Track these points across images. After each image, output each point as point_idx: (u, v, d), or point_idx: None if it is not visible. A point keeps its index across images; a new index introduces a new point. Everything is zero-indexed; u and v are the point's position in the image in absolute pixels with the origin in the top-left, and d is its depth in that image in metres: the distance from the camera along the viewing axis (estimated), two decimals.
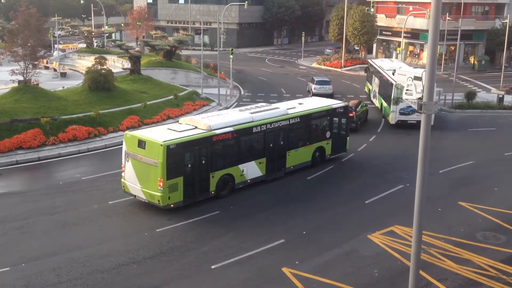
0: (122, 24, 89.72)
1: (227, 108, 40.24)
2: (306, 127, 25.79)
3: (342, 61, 62.58)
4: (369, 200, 22.38)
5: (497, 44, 59.13)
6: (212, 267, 16.62)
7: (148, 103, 36.18)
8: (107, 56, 45.19)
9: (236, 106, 40.35)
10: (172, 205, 20.49)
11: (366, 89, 46.54)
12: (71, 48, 65.37)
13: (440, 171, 25.71)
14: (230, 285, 15.69)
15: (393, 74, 36.11)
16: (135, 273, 16.23)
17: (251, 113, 24.04)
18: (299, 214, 20.95)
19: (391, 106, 34.97)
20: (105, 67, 37.20)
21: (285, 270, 16.40)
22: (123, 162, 21.59)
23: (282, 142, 24.51)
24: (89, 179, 24.66)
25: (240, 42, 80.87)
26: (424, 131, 10.76)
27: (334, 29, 65.84)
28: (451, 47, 60.70)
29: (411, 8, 59.39)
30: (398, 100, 34.62)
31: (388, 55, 69.14)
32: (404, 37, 57.46)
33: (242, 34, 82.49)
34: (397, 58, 62.80)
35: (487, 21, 62.97)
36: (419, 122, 36.59)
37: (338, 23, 64.74)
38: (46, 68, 52.96)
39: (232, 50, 46.73)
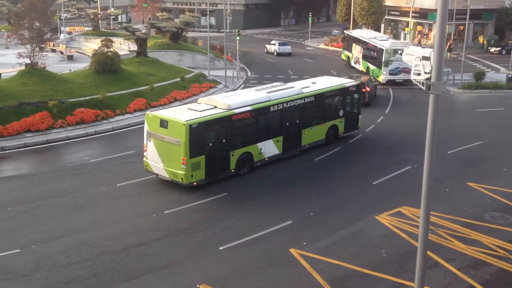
0: (128, 6, 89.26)
1: (234, 89, 40.12)
2: (320, 106, 26.22)
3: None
4: (377, 181, 22.34)
5: (507, 24, 58.43)
6: (220, 248, 16.71)
7: (155, 85, 36.14)
8: (114, 39, 45.06)
9: (243, 88, 40.23)
10: (195, 183, 20.94)
11: (343, 57, 52.04)
12: (78, 31, 65.21)
13: (448, 152, 25.59)
14: (238, 266, 15.79)
15: (380, 41, 43.43)
16: (143, 254, 16.35)
17: (268, 92, 24.39)
18: (306, 196, 20.97)
19: (382, 68, 41.02)
20: (111, 49, 37.11)
21: (292, 251, 16.47)
22: (145, 142, 22.01)
23: (297, 121, 24.94)
24: (97, 162, 24.76)
25: (247, 24, 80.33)
26: (432, 111, 10.63)
27: (342, 9, 65.19)
28: (460, 26, 59.99)
29: None
30: (388, 63, 41.00)
31: (396, 35, 68.50)
32: (413, 17, 56.85)
33: (249, 15, 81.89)
34: (405, 38, 62.21)
35: (496, 0, 62.06)
36: (405, 80, 40.30)
37: (345, 3, 64.06)
38: (53, 51, 52.90)
39: (238, 31, 46.44)
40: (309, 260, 15.88)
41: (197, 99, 35.96)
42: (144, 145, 22.22)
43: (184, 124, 20.37)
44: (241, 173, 22.72)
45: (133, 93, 34.55)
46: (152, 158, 21.68)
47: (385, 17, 65.74)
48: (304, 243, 16.99)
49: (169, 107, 34.02)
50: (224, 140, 21.84)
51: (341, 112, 27.35)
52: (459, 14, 52.45)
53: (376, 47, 43.09)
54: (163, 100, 34.92)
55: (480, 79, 40.72)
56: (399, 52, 40.36)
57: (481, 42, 61.93)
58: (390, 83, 41.03)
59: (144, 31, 46.80)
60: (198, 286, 14.63)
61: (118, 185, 21.84)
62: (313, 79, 29.02)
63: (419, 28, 65.65)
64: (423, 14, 62.47)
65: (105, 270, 15.44)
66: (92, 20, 62.53)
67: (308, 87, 26.51)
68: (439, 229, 17.77)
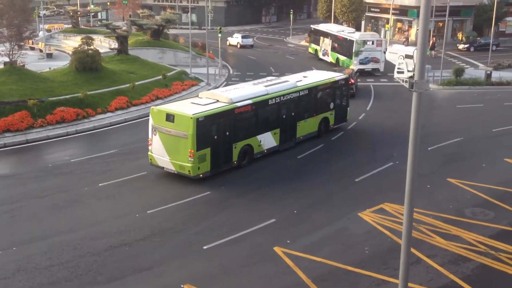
0: (108, 3, 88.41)
1: (216, 87, 40.03)
2: (313, 99, 27.07)
3: None
4: (359, 178, 22.49)
5: (485, 20, 59.16)
6: (204, 247, 16.68)
7: (136, 83, 35.87)
8: (94, 36, 44.60)
9: (225, 86, 40.15)
10: (201, 175, 21.54)
11: (311, 50, 54.44)
12: (57, 28, 64.42)
13: (429, 148, 25.87)
14: (222, 265, 15.78)
15: (349, 33, 46.96)
16: (126, 255, 16.26)
17: (265, 86, 25.19)
18: (290, 193, 21.03)
19: (353, 58, 44.08)
20: (92, 47, 36.72)
21: (276, 249, 16.51)
22: (150, 136, 22.39)
23: (293, 113, 25.75)
24: (78, 161, 24.51)
25: (228, 20, 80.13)
26: (416, 109, 10.74)
27: (323, 6, 65.43)
28: (439, 23, 60.60)
29: None
30: (358, 53, 44.04)
31: (377, 32, 68.86)
32: (393, 14, 57.24)
33: (230, 12, 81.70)
34: (385, 35, 62.70)
35: None
36: (373, 69, 43.11)
37: (326, 0, 64.27)
38: (32, 49, 52.15)
39: (220, 28, 46.30)
40: (293, 258, 15.95)
41: (179, 97, 36.13)
42: (149, 139, 22.54)
43: (191, 118, 20.90)
44: (243, 165, 23.34)
45: (114, 91, 34.25)
46: (158, 151, 22.10)
47: (366, 14, 66.17)
48: (288, 241, 17.04)
49: (151, 105, 33.90)
50: (227, 133, 22.53)
51: (331, 105, 28.29)
52: (438, 10, 52.92)
53: (346, 39, 46.15)
54: (145, 98, 34.69)
55: (459, 75, 41.19)
56: (368, 42, 44.40)
57: (460, 38, 62.64)
58: (363, 74, 43.76)
59: (124, 28, 46.37)
60: (182, 286, 14.59)
61: (100, 185, 21.65)
62: (303, 73, 29.73)
63: (399, 25, 66.15)
64: (403, 11, 62.96)
65: (87, 271, 15.31)
66: (72, 17, 61.80)
67: (301, 80, 27.27)
68: (421, 225, 17.97)
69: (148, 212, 19.15)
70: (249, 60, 53.01)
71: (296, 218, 18.86)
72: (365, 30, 70.22)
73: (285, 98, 25.06)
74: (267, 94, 24.46)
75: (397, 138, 27.54)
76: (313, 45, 53.84)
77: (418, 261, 15.81)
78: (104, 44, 50.69)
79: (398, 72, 42.01)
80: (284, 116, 25.24)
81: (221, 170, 22.44)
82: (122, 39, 42.97)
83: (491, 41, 53.61)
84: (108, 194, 20.88)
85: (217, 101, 22.94)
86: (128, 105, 33.22)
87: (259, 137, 24.09)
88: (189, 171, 21.30)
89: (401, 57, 39.36)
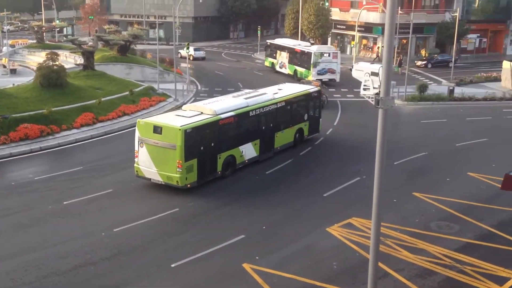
0: (74, 18, 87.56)
1: (184, 103, 39.90)
2: (289, 111, 28.08)
3: None
4: (327, 193, 22.65)
5: (447, 37, 60.77)
6: (172, 265, 16.48)
7: (102, 99, 35.46)
8: (59, 52, 44.00)
9: (193, 101, 40.04)
10: (188, 185, 22.11)
11: (267, 64, 56.16)
12: (21, 44, 63.32)
13: (395, 163, 26.26)
14: (191, 283, 15.61)
15: (306, 46, 49.92)
16: (92, 274, 15.92)
17: (245, 98, 26.05)
18: (258, 209, 21.02)
19: (311, 69, 46.61)
20: (57, 63, 36.18)
21: (245, 266, 16.43)
22: (136, 148, 22.78)
23: (271, 125, 26.73)
24: (42, 179, 24.00)
25: (196, 36, 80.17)
26: (382, 125, 10.95)
27: (290, 22, 66.16)
28: (403, 40, 61.96)
29: (364, 2, 60.17)
30: (316, 64, 46.57)
31: (343, 48, 70.05)
32: (358, 30, 58.31)
33: (198, 28, 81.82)
34: (351, 51, 63.78)
35: (437, 15, 64.57)
36: (330, 80, 44.59)
37: (293, 16, 65.09)
38: None
39: (188, 44, 46.35)
40: (262, 275, 15.89)
41: (147, 113, 35.85)
42: (135, 151, 22.83)
43: (180, 129, 21.53)
44: (226, 175, 24.01)
45: (80, 108, 33.75)
46: (145, 163, 22.52)
47: (332, 30, 67.16)
48: (257, 257, 16.99)
49: (117, 122, 33.58)
50: (212, 144, 23.20)
51: (305, 116, 29.49)
52: (402, 28, 54.18)
53: (304, 51, 48.95)
54: (112, 115, 34.29)
55: (423, 91, 42.09)
56: (325, 55, 47.19)
57: (423, 55, 64.12)
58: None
59: (91, 44, 45.94)
60: None
61: (65, 203, 21.22)
62: (278, 86, 30.72)
63: (364, 41, 67.36)
64: (368, 28, 64.20)
65: None
66: (37, 32, 60.86)
67: (277, 93, 28.21)
68: (388, 239, 18.16)
69: (115, 230, 18.83)
70: (216, 76, 53.07)
71: (265, 234, 18.84)
72: (331, 46, 71.34)
73: (264, 110, 26.04)
74: (248, 106, 25.30)
75: (363, 153, 27.90)
76: (270, 59, 55.74)
77: (386, 275, 15.95)
78: (69, 60, 50.04)
79: (364, 89, 42.76)
80: (263, 127, 26.18)
81: (207, 180, 22.99)
82: (88, 55, 42.51)
83: (449, 57, 55.75)
84: (73, 212, 20.47)
85: (201, 113, 23.58)
86: (94, 122, 32.78)
87: (241, 147, 24.83)
88: (177, 181, 21.78)
89: (367, 74, 40.11)
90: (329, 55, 47.44)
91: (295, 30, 64.87)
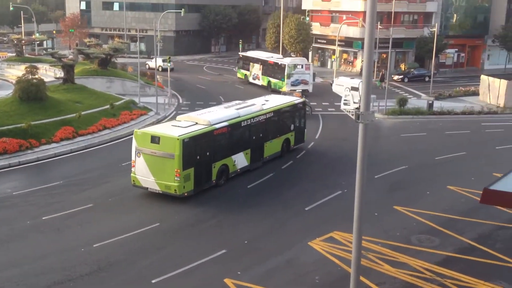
0: (54, 32, 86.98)
1: (166, 117, 39.79)
2: (277, 121, 29.01)
3: None
4: (309, 206, 22.67)
5: (426, 52, 61.70)
6: (153, 281, 16.30)
7: (83, 113, 35.18)
8: (39, 65, 43.62)
9: (175, 115, 39.97)
10: (185, 194, 22.53)
11: (240, 75, 57.81)
12: (0, 57, 62.64)
13: (375, 176, 26.42)
14: None
15: (279, 59, 51.73)
16: None
17: (236, 109, 26.82)
18: (240, 223, 20.94)
19: (285, 80, 48.17)
20: (36, 76, 35.86)
21: (227, 281, 16.32)
22: (133, 158, 23.18)
23: (261, 135, 27.48)
24: (21, 194, 23.64)
25: (178, 50, 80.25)
26: (362, 140, 11.04)
27: (271, 37, 66.60)
28: (383, 54, 62.76)
29: (344, 17, 60.94)
30: (289, 75, 48.25)
31: (324, 62, 70.72)
32: (338, 45, 58.90)
33: (179, 41, 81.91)
34: (332, 65, 64.39)
35: (416, 30, 65.58)
36: (303, 90, 44.97)
37: (274, 31, 65.56)
38: None
39: (169, 58, 46.30)
40: None
41: (128, 126, 35.65)
42: (132, 161, 23.19)
43: (178, 139, 22.04)
44: (220, 184, 24.56)
45: (60, 122, 33.42)
46: (142, 172, 22.88)
47: (313, 45, 67.77)
48: (239, 272, 16.89)
49: (98, 136, 33.34)
50: (208, 153, 23.75)
51: (292, 127, 30.36)
52: (382, 42, 54.93)
53: (278, 63, 50.64)
54: (92, 128, 34.03)
55: (403, 105, 42.57)
56: (298, 66, 48.70)
57: (403, 69, 64.97)
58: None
59: (71, 57, 45.64)
60: None
61: (44, 218, 20.92)
62: (264, 97, 31.61)
63: (345, 55, 68.07)
64: (349, 42, 64.92)
65: None
66: (16, 45, 60.33)
67: (265, 104, 28.98)
68: (370, 253, 18.21)
69: (95, 245, 18.59)
70: (198, 89, 53.06)
71: (246, 248, 18.76)
72: (312, 61, 72.13)
73: (254, 120, 26.80)
74: (239, 116, 26.05)
75: (345, 166, 28.05)
76: (242, 71, 57.35)
77: None
78: (49, 73, 49.61)
79: (344, 104, 43.13)
80: (254, 137, 26.92)
81: (202, 188, 23.49)
82: (68, 68, 42.23)
83: (425, 72, 57.09)
84: (52, 227, 20.18)
85: (196, 123, 24.15)
86: (74, 135, 32.49)
87: (233, 157, 25.46)
88: (175, 190, 22.22)
89: (347, 89, 40.52)
90: (302, 67, 49.03)
91: (276, 44, 65.29)
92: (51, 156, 29.65)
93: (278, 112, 28.94)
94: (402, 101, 42.73)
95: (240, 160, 26.02)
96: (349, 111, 39.73)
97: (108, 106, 38.16)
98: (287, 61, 50.04)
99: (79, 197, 23.33)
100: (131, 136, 34.27)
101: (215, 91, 51.56)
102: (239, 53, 60.26)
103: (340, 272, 16.99)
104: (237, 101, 29.51)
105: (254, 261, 17.81)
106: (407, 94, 51.27)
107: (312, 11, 70.23)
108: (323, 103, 46.07)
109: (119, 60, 58.95)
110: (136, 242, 19.08)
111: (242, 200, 23.58)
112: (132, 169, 23.26)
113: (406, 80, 59.52)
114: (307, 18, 64.91)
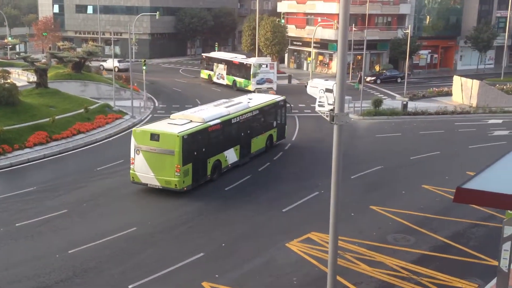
0: (27, 35, 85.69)
1: (142, 120, 39.49)
2: (262, 118, 30.36)
3: None
4: (286, 208, 22.71)
5: (400, 53, 62.44)
6: (129, 286, 16.11)
7: (56, 117, 34.69)
8: (11, 69, 42.88)
9: (150, 118, 39.73)
10: (185, 188, 23.55)
11: (204, 75, 59.18)
12: None
13: (352, 177, 26.61)
14: None
15: (243, 59, 53.91)
16: None
17: (226, 107, 28.04)
18: (217, 226, 20.87)
19: (251, 79, 50.42)
20: (8, 80, 35.27)
21: (205, 284, 16.24)
22: (132, 155, 23.97)
23: (248, 131, 28.81)
24: None
25: (153, 53, 79.74)
26: (337, 141, 11.07)
27: (247, 39, 66.65)
28: (358, 56, 63.30)
29: (319, 20, 61.36)
30: (255, 75, 50.50)
31: (299, 64, 71.05)
32: (314, 47, 59.24)
33: (155, 44, 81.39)
34: (308, 67, 64.70)
35: (390, 31, 66.33)
36: (268, 88, 46.77)
37: (250, 33, 65.61)
38: None
39: (144, 61, 45.92)
40: None
41: (103, 130, 35.28)
42: (131, 158, 23.98)
43: (178, 136, 23.14)
44: (214, 178, 25.67)
45: (33, 126, 32.88)
46: (141, 169, 23.76)
47: (289, 47, 68.03)
48: (217, 275, 16.82)
49: (72, 140, 32.93)
50: (203, 149, 24.88)
51: (274, 123, 31.79)
52: (356, 44, 55.45)
53: (243, 63, 52.70)
54: (66, 133, 33.56)
55: (378, 106, 42.97)
56: (263, 66, 50.94)
57: (377, 70, 65.63)
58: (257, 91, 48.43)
59: (44, 61, 44.99)
60: None
61: (17, 224, 20.54)
62: (248, 95, 33.13)
63: (320, 57, 68.49)
64: (324, 44, 65.34)
65: None
66: None
67: (249, 102, 30.22)
68: (347, 253, 18.32)
69: (70, 252, 18.32)
70: (174, 92, 52.79)
71: (224, 251, 18.70)
72: (288, 63, 72.43)
73: (243, 117, 28.12)
74: (229, 114, 27.22)
75: (321, 167, 28.17)
76: (206, 71, 58.93)
77: None
78: (22, 78, 48.75)
79: (319, 106, 43.36)
80: (242, 134, 28.22)
81: (199, 183, 24.55)
82: (41, 72, 41.60)
83: (397, 73, 58.38)
84: (26, 234, 19.82)
85: (191, 121, 25.13)
86: (48, 140, 32.00)
87: (225, 153, 26.70)
88: (175, 185, 23.26)
89: (321, 90, 40.75)
90: (266, 66, 51.16)
91: (252, 47, 65.33)
92: (24, 161, 29.15)
93: (263, 110, 30.26)
94: (377, 102, 43.12)
95: (231, 155, 27.23)
96: (324, 113, 40.01)
97: (82, 110, 37.70)
98: (252, 61, 51.82)
99: (53, 203, 22.98)
100: (106, 140, 34.21)
101: (191, 94, 51.36)
102: (202, 54, 62.37)
103: (317, 272, 17.04)
104: (224, 100, 30.60)
105: (231, 263, 17.75)
106: (382, 95, 51.79)
107: (288, 13, 70.53)
108: (299, 105, 46.22)
109: (94, 64, 58.31)
110: (112, 247, 18.86)
111: (219, 203, 23.49)
112: (131, 166, 24.02)
113: (378, 81, 60.10)
114: (283, 21, 65.15)
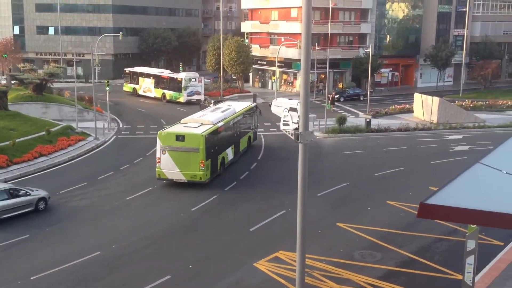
0: None
1: (105, 142, 38.96)
2: (245, 121, 35.45)
3: (221, 90, 63.47)
4: (253, 227, 22.65)
5: (362, 71, 63.60)
6: None
7: (17, 140, 33.90)
8: None
9: (115, 140, 39.25)
10: (207, 180, 27.69)
11: (128, 89, 63.70)
12: None
13: (318, 194, 26.77)
14: None
15: (172, 73, 59.68)
16: None
17: (222, 112, 32.42)
18: (184, 247, 20.63)
19: (182, 92, 55.85)
20: None
21: None
22: (158, 155, 27.55)
23: (238, 132, 33.40)
24: None
25: (117, 73, 78.89)
26: (302, 159, 11.16)
27: (211, 59, 66.82)
28: (321, 75, 64.17)
29: (282, 39, 62.03)
30: (186, 87, 55.82)
31: (264, 83, 71.54)
32: (278, 66, 59.81)
33: (118, 65, 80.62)
34: (272, 86, 65.17)
35: (352, 50, 67.56)
36: (197, 100, 56.27)
37: (215, 53, 65.82)
38: None
39: (108, 81, 45.51)
40: None
41: (65, 153, 34.63)
42: (157, 158, 27.57)
43: (201, 135, 27.36)
44: (220, 172, 29.76)
45: None
46: (167, 166, 27.48)
47: (253, 66, 68.49)
48: None
49: (34, 163, 32.23)
50: (216, 147, 28.97)
51: (251, 126, 37.08)
52: (320, 63, 56.19)
53: (173, 77, 57.81)
54: (27, 156, 32.78)
55: (342, 123, 43.51)
56: (192, 80, 56.47)
57: (341, 88, 66.59)
58: (188, 103, 54.94)
59: (4, 83, 44.11)
60: None
61: None
62: (227, 103, 37.64)
63: (285, 76, 69.15)
64: (288, 63, 66.04)
65: None
66: None
67: (233, 108, 34.16)
68: (314, 271, 18.33)
69: (32, 278, 17.80)
70: (138, 113, 52.33)
71: (191, 272, 18.48)
72: (253, 82, 72.86)
73: (235, 120, 32.78)
74: (226, 118, 31.57)
75: (288, 185, 28.26)
76: (130, 85, 63.43)
77: None
78: None
79: (284, 125, 43.59)
80: (235, 135, 32.78)
81: (214, 176, 28.65)
82: (1, 94, 40.70)
83: (360, 91, 60.09)
84: None
85: (202, 124, 29.06)
86: (8, 164, 31.19)
87: (227, 151, 30.96)
88: (200, 177, 27.32)
89: (286, 109, 41.10)
90: (195, 80, 56.68)
91: (216, 66, 65.52)
92: None
93: (246, 114, 35.52)
94: (342, 120, 43.68)
95: (230, 153, 31.48)
96: (289, 132, 40.30)
97: (44, 133, 36.97)
98: (182, 75, 57.44)
99: (14, 227, 22.33)
100: (69, 163, 33.56)
101: (156, 114, 51.01)
102: (125, 69, 66.16)
103: None
104: (212, 107, 35.03)
105: (199, 285, 17.54)
106: (345, 112, 52.51)
107: (251, 33, 71.12)
108: (265, 124, 46.44)
109: (56, 85, 57.41)
110: (77, 272, 18.41)
111: (185, 222, 23.27)
112: (157, 165, 27.50)
113: (342, 99, 60.97)
114: (246, 40, 65.62)
